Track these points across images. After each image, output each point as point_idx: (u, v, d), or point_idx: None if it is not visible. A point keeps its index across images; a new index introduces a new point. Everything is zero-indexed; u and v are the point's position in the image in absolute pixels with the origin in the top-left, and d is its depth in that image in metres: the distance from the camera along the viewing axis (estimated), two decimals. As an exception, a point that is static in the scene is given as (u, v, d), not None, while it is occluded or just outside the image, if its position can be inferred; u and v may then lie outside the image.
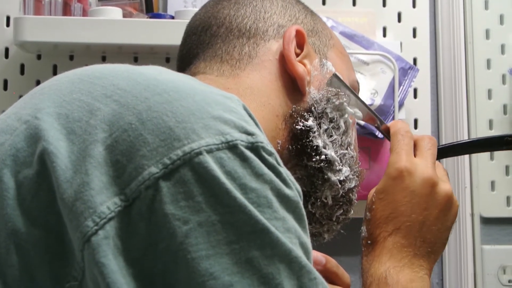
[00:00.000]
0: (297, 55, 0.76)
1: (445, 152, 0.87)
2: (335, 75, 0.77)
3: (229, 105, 0.54)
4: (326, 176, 0.75)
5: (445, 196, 0.76)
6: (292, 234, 0.51)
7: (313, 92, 0.76)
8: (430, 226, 0.75)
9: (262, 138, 0.53)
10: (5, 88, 1.28)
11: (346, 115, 0.77)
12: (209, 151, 0.49)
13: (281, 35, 0.77)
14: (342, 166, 0.76)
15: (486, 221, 1.39)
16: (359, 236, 0.77)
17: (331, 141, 0.75)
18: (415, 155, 0.78)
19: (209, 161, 0.49)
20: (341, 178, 0.75)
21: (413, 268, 0.72)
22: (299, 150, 0.74)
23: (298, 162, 0.75)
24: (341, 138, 0.76)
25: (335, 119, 0.76)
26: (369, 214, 0.76)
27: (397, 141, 0.79)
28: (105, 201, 0.48)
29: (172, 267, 0.47)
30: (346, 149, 0.77)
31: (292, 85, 0.76)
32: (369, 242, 0.75)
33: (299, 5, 0.83)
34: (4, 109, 1.22)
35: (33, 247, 0.51)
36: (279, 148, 0.73)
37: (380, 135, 1.24)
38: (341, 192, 0.76)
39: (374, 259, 0.73)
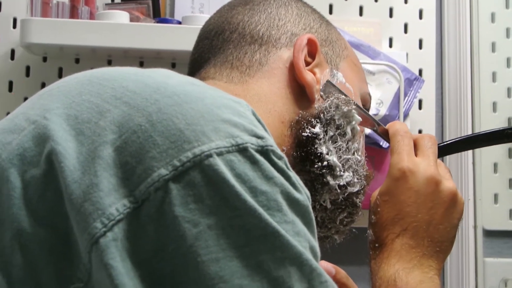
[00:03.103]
0: (309, 63, 0.76)
1: (446, 149, 0.86)
2: (328, 82, 0.77)
3: (238, 109, 0.54)
4: (325, 180, 0.74)
5: (449, 193, 0.75)
6: (302, 237, 0.50)
7: (322, 100, 0.76)
8: (436, 225, 0.74)
9: (272, 142, 0.52)
10: (10, 89, 1.27)
11: (353, 122, 0.77)
12: (219, 154, 0.49)
13: (294, 43, 0.77)
14: (344, 171, 0.75)
15: (489, 234, 1.38)
16: (367, 246, 0.76)
17: (335, 147, 0.75)
18: (416, 155, 0.78)
19: (219, 164, 0.48)
20: (342, 183, 0.75)
21: (422, 269, 0.72)
22: (303, 157, 0.74)
23: (302, 168, 0.74)
24: (346, 144, 0.76)
25: (342, 126, 0.76)
26: (374, 217, 0.75)
27: (396, 141, 0.78)
28: (114, 202, 0.48)
29: (181, 270, 0.47)
30: (353, 154, 0.77)
31: (301, 92, 0.75)
32: (376, 245, 0.74)
33: (314, 14, 0.83)
34: (9, 110, 1.24)
35: (39, 247, 0.50)
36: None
37: (384, 144, 1.24)
38: (340, 196, 0.76)
39: (382, 261, 0.73)
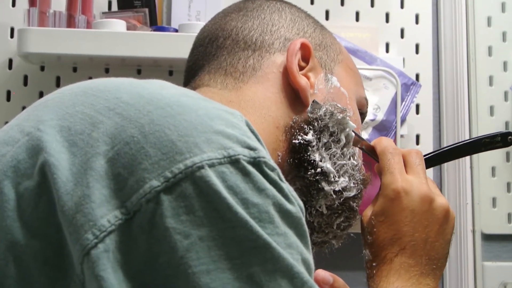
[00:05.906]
0: (302, 68, 0.76)
1: (430, 162, 0.86)
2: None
3: (231, 121, 0.54)
4: (320, 186, 0.74)
5: (442, 210, 0.76)
6: (294, 250, 0.51)
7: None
8: (432, 242, 0.75)
9: (265, 153, 0.52)
10: (8, 99, 1.28)
11: (347, 129, 0.77)
12: (211, 165, 0.49)
13: (287, 48, 0.77)
14: (339, 177, 0.75)
15: (487, 238, 1.38)
16: (364, 266, 0.76)
17: (328, 154, 0.75)
18: (406, 172, 0.78)
19: (211, 175, 0.49)
20: (337, 189, 0.75)
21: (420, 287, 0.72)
22: (297, 164, 0.74)
23: (297, 174, 0.75)
24: (341, 150, 0.76)
25: (336, 133, 0.76)
26: (370, 238, 0.75)
27: (387, 160, 0.78)
28: (105, 214, 0.48)
29: (173, 281, 0.47)
30: (349, 159, 0.77)
31: (295, 97, 0.75)
32: (374, 264, 0.74)
33: (308, 19, 0.83)
34: (7, 120, 1.24)
35: (32, 259, 0.51)
36: (279, 160, 0.73)
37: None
38: (336, 202, 0.76)
39: (381, 280, 0.73)
